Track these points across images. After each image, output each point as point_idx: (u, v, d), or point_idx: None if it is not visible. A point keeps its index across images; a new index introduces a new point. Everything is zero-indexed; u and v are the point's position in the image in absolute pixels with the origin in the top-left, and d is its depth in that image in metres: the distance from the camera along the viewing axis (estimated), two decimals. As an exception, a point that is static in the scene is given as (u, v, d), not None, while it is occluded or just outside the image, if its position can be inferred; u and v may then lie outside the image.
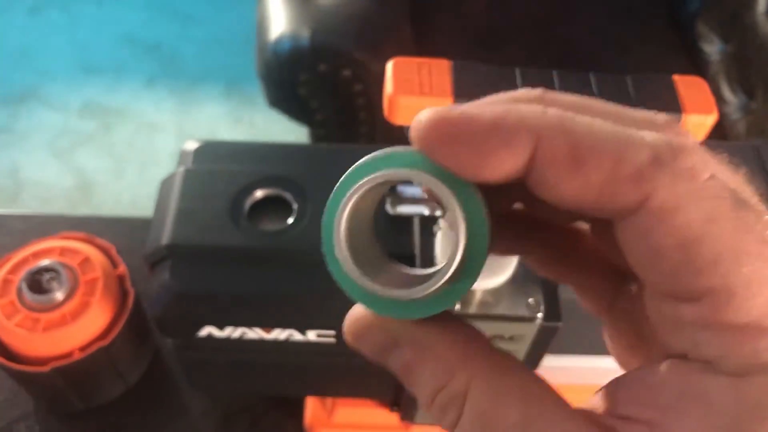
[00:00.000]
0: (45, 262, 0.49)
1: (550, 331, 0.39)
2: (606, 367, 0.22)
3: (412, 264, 0.39)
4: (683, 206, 0.16)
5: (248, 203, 0.42)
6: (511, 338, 0.40)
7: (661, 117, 0.18)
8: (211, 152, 0.45)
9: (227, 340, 0.41)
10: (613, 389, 0.18)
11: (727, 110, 1.14)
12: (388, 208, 0.41)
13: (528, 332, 0.39)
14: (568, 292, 0.35)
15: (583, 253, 0.22)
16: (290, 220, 0.42)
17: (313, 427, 0.53)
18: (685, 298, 0.16)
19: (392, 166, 0.17)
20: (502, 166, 0.16)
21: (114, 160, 1.71)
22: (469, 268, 0.17)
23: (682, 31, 1.24)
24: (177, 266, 0.40)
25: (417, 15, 1.18)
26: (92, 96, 1.82)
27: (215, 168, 0.44)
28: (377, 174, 0.17)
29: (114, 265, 0.52)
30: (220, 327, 0.41)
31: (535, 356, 0.42)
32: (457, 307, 0.38)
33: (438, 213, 0.39)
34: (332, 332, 0.41)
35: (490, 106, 0.17)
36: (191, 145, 0.46)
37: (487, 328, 0.39)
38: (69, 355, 0.48)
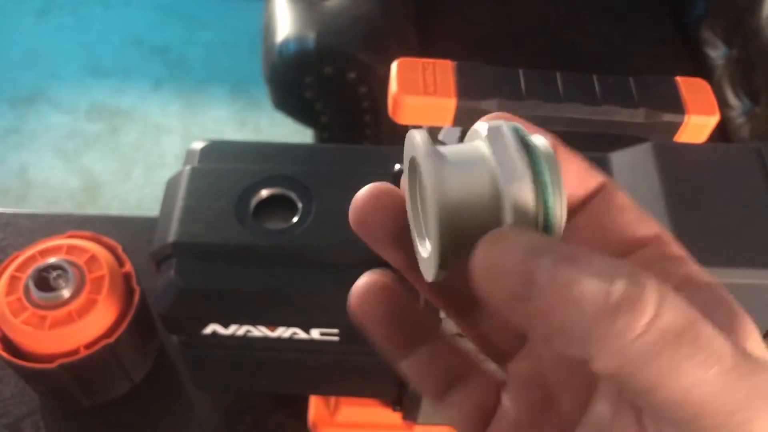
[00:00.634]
0: (52, 260, 0.50)
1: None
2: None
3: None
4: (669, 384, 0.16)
5: (254, 202, 0.43)
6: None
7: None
8: (217, 151, 0.46)
9: (232, 338, 0.42)
10: None
11: (731, 114, 1.14)
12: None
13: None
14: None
15: None
16: (295, 219, 0.42)
17: (316, 426, 0.54)
18: None
19: None
20: None
21: (120, 161, 1.72)
22: None
23: (686, 36, 1.24)
24: (182, 264, 0.40)
25: (421, 19, 1.18)
26: (99, 98, 1.83)
27: (221, 167, 0.44)
28: None
29: (120, 263, 0.52)
30: (225, 325, 0.41)
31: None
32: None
33: None
34: (336, 331, 0.41)
35: None
36: (198, 145, 0.46)
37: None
38: (75, 352, 0.49)
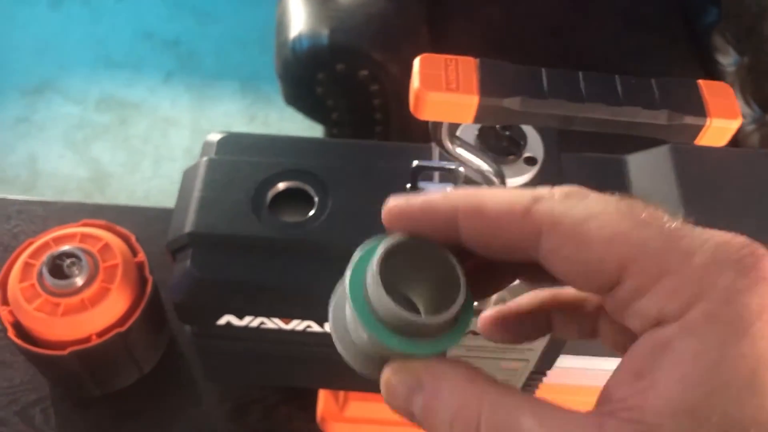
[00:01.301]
0: (66, 247, 0.50)
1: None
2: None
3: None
4: (566, 221, 0.20)
5: (270, 194, 0.43)
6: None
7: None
8: (234, 143, 0.46)
9: (245, 330, 0.42)
10: (607, 384, 0.21)
11: (741, 122, 1.14)
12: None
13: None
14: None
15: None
16: (311, 213, 0.42)
17: (324, 420, 0.54)
18: (604, 288, 0.20)
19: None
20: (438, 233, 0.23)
21: (129, 153, 1.73)
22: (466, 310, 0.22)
23: (698, 43, 1.24)
24: (199, 254, 0.41)
25: (434, 19, 1.18)
26: (110, 90, 1.84)
27: (238, 159, 0.45)
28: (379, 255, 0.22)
29: (133, 252, 0.53)
30: (240, 316, 0.41)
31: (551, 355, 0.43)
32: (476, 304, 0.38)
33: None
34: (349, 325, 0.41)
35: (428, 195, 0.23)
36: (214, 136, 0.47)
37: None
38: (87, 340, 0.49)
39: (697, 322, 0.19)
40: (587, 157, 0.46)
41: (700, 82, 0.32)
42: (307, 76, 1.01)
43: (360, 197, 0.41)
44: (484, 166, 0.38)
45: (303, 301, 0.40)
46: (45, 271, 0.49)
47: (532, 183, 0.40)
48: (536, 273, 0.23)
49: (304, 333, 0.42)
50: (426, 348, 0.22)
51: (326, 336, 0.43)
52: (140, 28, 1.94)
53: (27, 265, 0.50)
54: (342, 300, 0.24)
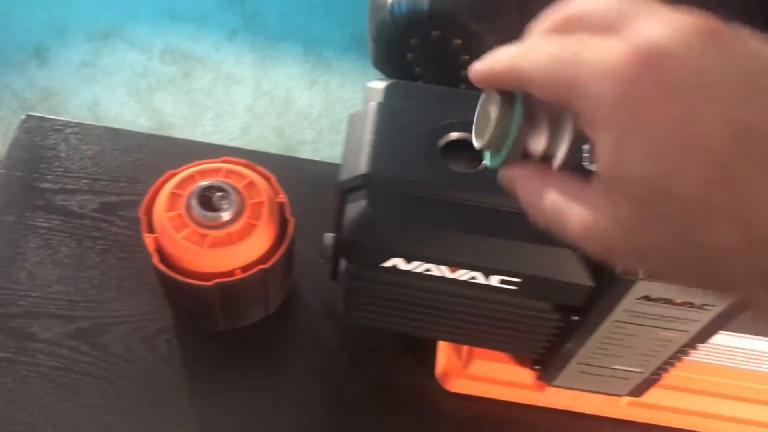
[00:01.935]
0: (214, 181, 0.50)
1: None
2: None
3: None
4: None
5: (441, 143, 0.43)
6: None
7: None
8: (400, 91, 0.46)
9: (410, 274, 0.42)
10: None
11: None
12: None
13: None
14: None
15: None
16: (482, 165, 0.42)
17: (447, 375, 0.54)
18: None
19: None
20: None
21: (191, 106, 1.73)
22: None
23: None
24: (374, 195, 0.41)
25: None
26: (175, 41, 1.84)
27: (407, 106, 0.45)
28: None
29: (275, 192, 0.53)
30: (409, 260, 0.41)
31: (710, 329, 0.42)
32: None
33: None
34: (517, 280, 0.41)
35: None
36: (377, 84, 0.47)
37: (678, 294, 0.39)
38: (230, 273, 0.50)
39: None
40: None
41: None
42: (401, 41, 1.01)
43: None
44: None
45: (477, 251, 0.40)
46: (194, 202, 0.49)
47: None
48: None
49: (466, 284, 0.42)
50: (491, 160, 0.32)
51: (489, 288, 0.43)
52: (208, -18, 1.94)
53: (173, 196, 0.50)
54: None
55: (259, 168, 0.54)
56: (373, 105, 0.45)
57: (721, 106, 0.22)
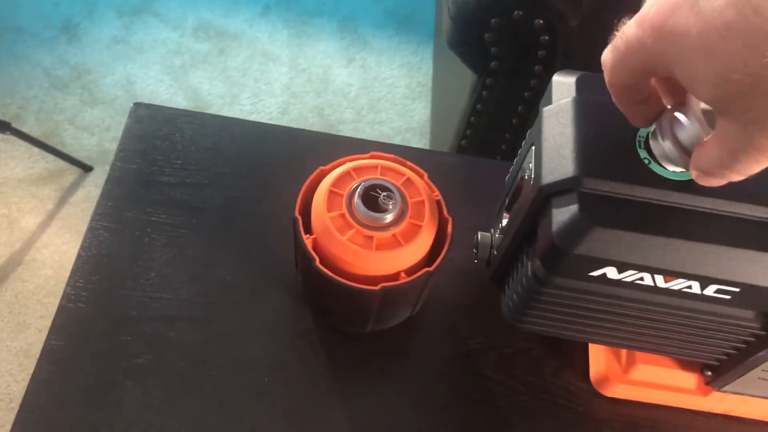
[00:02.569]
0: (378, 179, 0.47)
1: None
2: None
3: None
4: None
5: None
6: None
7: None
8: (593, 83, 0.43)
9: (618, 283, 0.40)
10: None
11: None
12: None
13: None
14: None
15: None
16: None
17: (606, 380, 0.52)
18: None
19: None
20: None
21: (227, 84, 1.69)
22: None
23: None
24: (587, 200, 0.38)
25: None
26: (207, 17, 1.79)
27: (606, 100, 0.42)
28: None
29: (431, 190, 0.50)
30: (622, 269, 0.39)
31: None
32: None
33: None
34: (734, 290, 0.39)
35: None
36: (565, 77, 0.44)
37: None
38: (396, 277, 0.47)
39: None
40: None
41: None
42: (481, 20, 0.97)
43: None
44: None
45: (703, 260, 0.38)
46: (358, 201, 0.46)
47: None
48: None
49: (677, 293, 0.40)
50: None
51: (700, 298, 0.40)
52: (241, -45, 1.88)
53: (332, 194, 0.48)
54: None
55: (410, 164, 0.51)
56: (568, 100, 0.42)
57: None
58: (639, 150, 0.39)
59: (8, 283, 1.39)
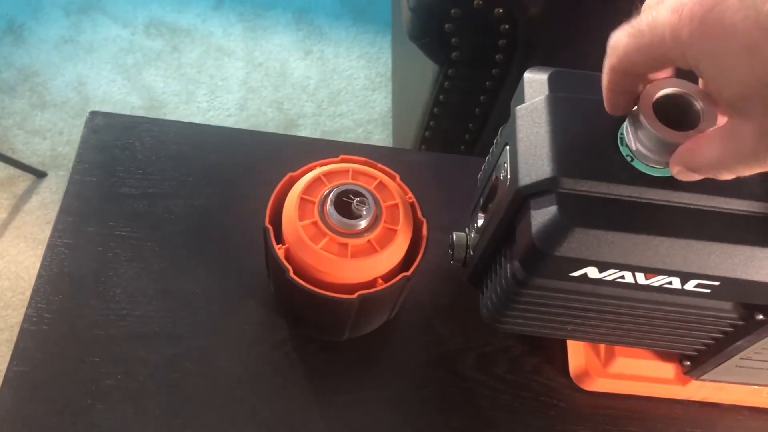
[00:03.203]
0: (350, 185, 0.46)
1: None
2: None
3: None
4: None
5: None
6: None
7: None
8: (566, 80, 0.42)
9: (598, 282, 0.39)
10: None
11: None
12: None
13: None
14: None
15: None
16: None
17: (586, 374, 0.52)
18: None
19: None
20: None
21: (182, 82, 1.65)
22: None
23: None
24: (565, 201, 0.38)
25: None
26: (158, 13, 1.74)
27: (581, 97, 0.41)
28: None
29: (403, 191, 0.49)
30: (603, 269, 0.38)
31: None
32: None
33: None
34: (714, 284, 0.39)
35: None
36: (536, 73, 0.43)
37: None
38: (372, 284, 0.46)
39: None
40: None
41: None
42: (441, 11, 0.96)
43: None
44: None
45: (684, 255, 0.37)
46: (331, 208, 0.45)
47: None
48: None
49: (658, 289, 0.39)
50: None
51: (680, 293, 0.40)
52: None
53: (303, 202, 0.46)
54: None
55: (381, 166, 0.50)
56: (542, 98, 0.41)
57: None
58: (621, 147, 0.38)
59: (-37, 297, 1.34)
